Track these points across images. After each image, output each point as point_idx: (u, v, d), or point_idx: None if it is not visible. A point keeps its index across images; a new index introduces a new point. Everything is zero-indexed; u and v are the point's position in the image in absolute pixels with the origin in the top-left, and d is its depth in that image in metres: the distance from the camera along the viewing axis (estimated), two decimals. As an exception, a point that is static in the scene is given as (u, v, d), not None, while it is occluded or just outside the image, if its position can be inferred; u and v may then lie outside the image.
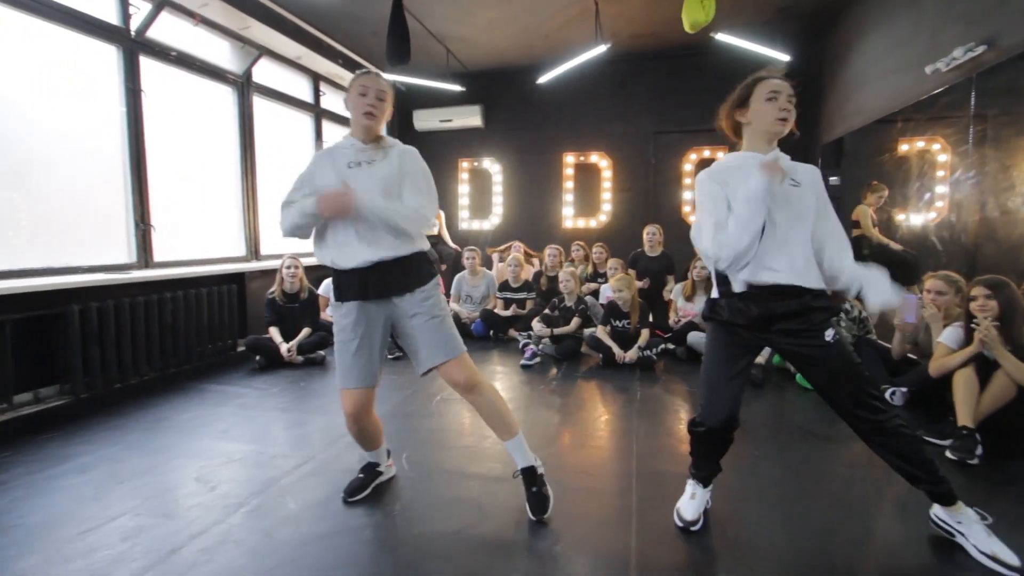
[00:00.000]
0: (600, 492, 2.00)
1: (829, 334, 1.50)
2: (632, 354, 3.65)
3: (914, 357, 3.04)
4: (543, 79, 5.42)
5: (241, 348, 4.06)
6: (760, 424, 2.69)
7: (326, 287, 4.55)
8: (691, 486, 1.78)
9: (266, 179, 4.77)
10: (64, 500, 1.92)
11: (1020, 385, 2.18)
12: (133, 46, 3.49)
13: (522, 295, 4.84)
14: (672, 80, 5.89)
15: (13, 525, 1.76)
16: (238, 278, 4.22)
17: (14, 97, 2.91)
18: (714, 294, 1.67)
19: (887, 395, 2.86)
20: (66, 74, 3.17)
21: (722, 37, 4.64)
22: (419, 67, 5.77)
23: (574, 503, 1.89)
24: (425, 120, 6.44)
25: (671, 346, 4.01)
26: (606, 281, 4.76)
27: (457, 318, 4.68)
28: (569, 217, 6.37)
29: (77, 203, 3.24)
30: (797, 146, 1.71)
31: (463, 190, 6.69)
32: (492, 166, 6.58)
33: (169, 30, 3.75)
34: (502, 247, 6.00)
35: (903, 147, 3.81)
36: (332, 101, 5.78)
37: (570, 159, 6.30)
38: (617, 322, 3.87)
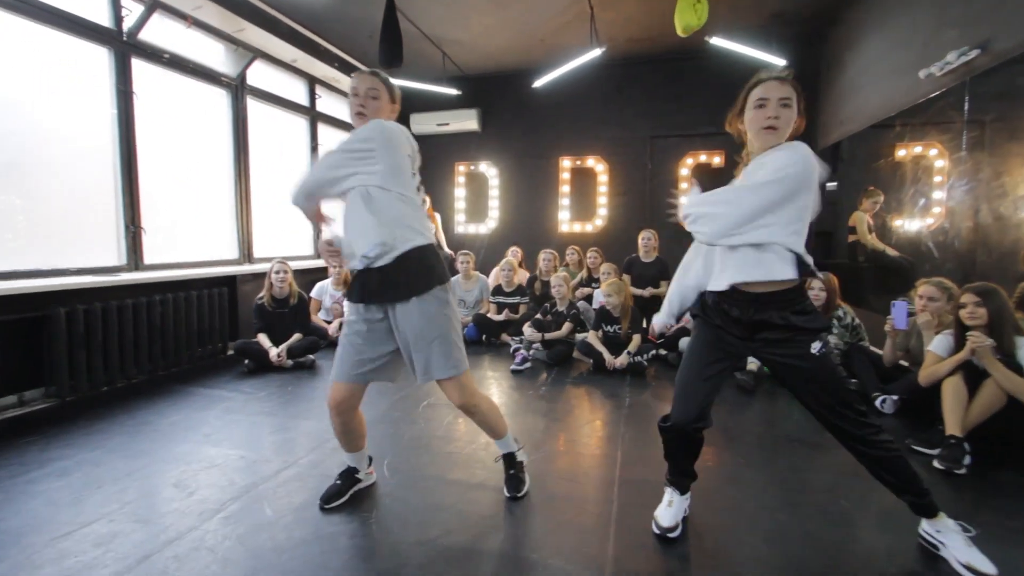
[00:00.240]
0: (581, 499, 1.97)
1: (815, 347, 1.48)
2: (622, 360, 3.62)
3: (906, 364, 3.01)
4: (539, 83, 5.42)
5: (231, 352, 4.05)
6: (748, 431, 2.66)
7: (319, 290, 4.56)
8: (668, 493, 1.77)
9: (260, 182, 4.76)
10: (40, 505, 1.91)
11: (1009, 394, 2.15)
12: (125, 48, 3.50)
13: (515, 299, 4.82)
14: (668, 84, 5.88)
15: (-14, 530, 1.74)
16: (229, 281, 4.21)
17: (5, 98, 2.90)
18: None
19: (878, 403, 2.83)
20: (57, 75, 3.17)
21: (717, 41, 4.64)
22: (416, 71, 5.79)
23: (554, 510, 1.88)
24: (422, 124, 6.44)
25: (663, 351, 3.99)
26: (600, 286, 4.73)
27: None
28: (565, 221, 6.36)
29: (67, 205, 3.24)
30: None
31: (460, 194, 6.66)
32: (489, 170, 6.57)
33: (162, 32, 3.75)
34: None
35: (900, 152, 3.78)
36: (328, 104, 5.79)
37: (566, 163, 6.29)
38: (608, 327, 3.85)
